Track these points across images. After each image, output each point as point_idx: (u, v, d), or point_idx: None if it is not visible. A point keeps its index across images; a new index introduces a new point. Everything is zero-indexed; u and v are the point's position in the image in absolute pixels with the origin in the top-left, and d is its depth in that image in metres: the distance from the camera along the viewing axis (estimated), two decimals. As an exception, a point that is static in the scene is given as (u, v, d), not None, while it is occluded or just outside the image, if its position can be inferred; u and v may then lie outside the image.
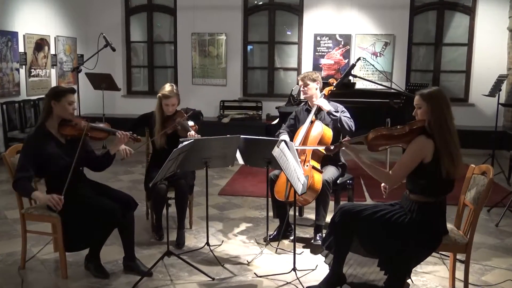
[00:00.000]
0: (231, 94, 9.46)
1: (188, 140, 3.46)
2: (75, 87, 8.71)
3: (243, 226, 4.50)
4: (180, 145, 3.32)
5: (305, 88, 4.14)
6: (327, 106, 4.04)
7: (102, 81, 8.00)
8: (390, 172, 2.90)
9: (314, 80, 4.13)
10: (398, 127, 2.90)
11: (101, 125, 3.48)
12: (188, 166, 3.70)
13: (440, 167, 2.73)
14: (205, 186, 3.88)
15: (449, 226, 3.11)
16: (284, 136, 4.16)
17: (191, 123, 4.11)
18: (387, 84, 8.37)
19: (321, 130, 3.99)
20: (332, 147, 3.14)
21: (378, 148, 2.96)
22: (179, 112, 4.19)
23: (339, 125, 3.98)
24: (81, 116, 3.52)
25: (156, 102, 4.16)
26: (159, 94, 4.10)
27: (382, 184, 3.12)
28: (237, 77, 9.54)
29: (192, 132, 3.98)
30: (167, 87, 4.11)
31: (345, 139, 3.13)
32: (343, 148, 3.08)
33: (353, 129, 4.01)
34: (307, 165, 3.85)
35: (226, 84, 9.53)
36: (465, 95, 9.13)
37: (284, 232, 4.04)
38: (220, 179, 6.33)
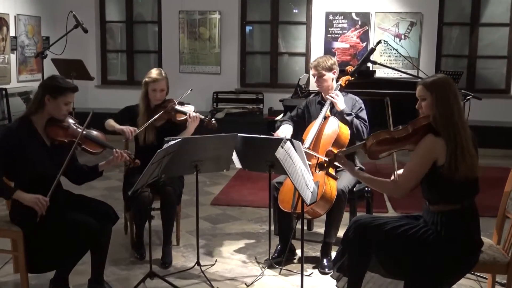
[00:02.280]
0: (227, 84, 9.47)
1: (175, 140, 3.46)
2: (38, 75, 8.74)
3: (240, 243, 4.51)
4: (165, 145, 3.33)
5: (320, 80, 4.13)
6: (341, 104, 4.03)
7: (71, 69, 8.00)
8: (397, 180, 2.90)
9: (330, 69, 4.12)
10: (400, 127, 2.91)
11: (97, 135, 3.46)
12: (174, 170, 3.70)
13: (458, 169, 2.74)
14: (195, 194, 3.88)
15: (488, 241, 3.12)
16: (287, 127, 4.17)
17: (188, 107, 4.16)
18: (413, 72, 8.38)
19: (336, 128, 3.99)
20: (324, 163, 3.11)
21: (379, 155, 2.97)
22: (168, 100, 4.22)
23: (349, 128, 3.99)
24: (74, 116, 3.53)
25: (138, 93, 4.19)
26: (145, 79, 4.17)
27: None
28: (233, 64, 9.55)
29: (193, 113, 4.03)
30: (154, 71, 4.20)
31: (341, 150, 3.14)
32: (337, 162, 3.08)
33: (365, 136, 4.00)
34: (319, 170, 3.85)
35: (220, 73, 9.53)
36: (507, 85, 9.14)
37: (287, 255, 4.01)
38: (213, 186, 6.33)
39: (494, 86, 9.20)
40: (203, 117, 4.13)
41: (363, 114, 4.09)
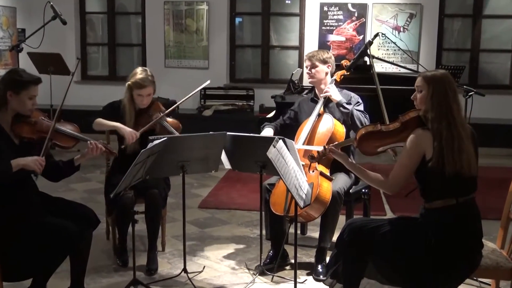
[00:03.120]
0: (215, 80, 9.43)
1: (160, 138, 3.46)
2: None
3: (230, 248, 4.51)
4: (150, 145, 3.32)
5: (313, 71, 4.16)
6: (337, 95, 4.05)
7: (49, 63, 7.96)
8: (389, 176, 2.97)
9: (324, 62, 4.15)
10: (389, 122, 2.99)
11: (69, 128, 3.44)
12: (159, 171, 3.69)
13: (445, 163, 2.80)
14: (182, 197, 3.88)
15: (491, 245, 3.14)
16: (268, 131, 4.19)
17: (170, 119, 4.12)
18: (413, 66, 8.41)
19: (331, 125, 4.01)
20: (315, 155, 3.25)
21: (373, 151, 3.07)
22: (155, 104, 4.19)
23: (349, 120, 4.00)
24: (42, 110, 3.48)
25: (121, 89, 4.15)
26: (129, 83, 4.07)
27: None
28: (222, 58, 9.54)
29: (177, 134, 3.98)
30: (139, 73, 4.08)
31: (332, 144, 3.23)
32: (329, 154, 3.19)
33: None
34: (313, 171, 3.87)
35: (208, 67, 9.52)
36: (511, 80, 9.20)
37: (279, 261, 4.02)
38: (201, 188, 6.33)
39: (498, 81, 9.26)
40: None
41: (361, 108, 4.11)
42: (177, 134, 3.99)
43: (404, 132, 2.94)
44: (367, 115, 4.07)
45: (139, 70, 4.13)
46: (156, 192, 3.98)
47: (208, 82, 4.36)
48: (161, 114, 4.08)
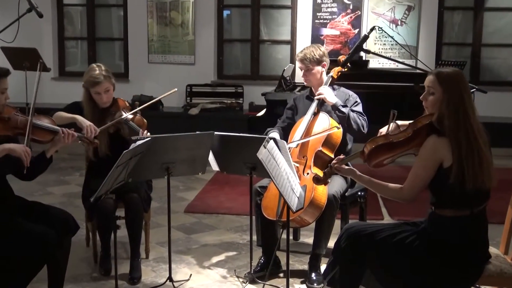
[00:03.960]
0: (202, 76, 9.45)
1: (144, 139, 3.45)
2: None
3: (218, 255, 4.51)
4: (133, 145, 3.31)
5: (307, 74, 4.15)
6: (331, 98, 4.04)
7: (24, 59, 7.91)
8: (404, 185, 2.93)
9: (319, 62, 4.13)
10: (400, 130, 2.95)
11: (46, 121, 3.42)
12: (143, 174, 3.69)
13: (466, 178, 2.76)
14: (167, 201, 3.87)
15: (494, 251, 3.15)
16: (274, 135, 4.16)
17: (136, 116, 4.08)
18: (411, 62, 8.44)
19: (327, 125, 4.01)
20: (321, 176, 3.17)
21: (382, 163, 3.01)
22: (117, 101, 4.15)
23: (345, 124, 4.00)
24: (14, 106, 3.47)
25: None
26: (84, 83, 4.06)
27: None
28: (209, 53, 9.53)
29: (144, 133, 3.94)
30: (92, 70, 4.06)
31: (336, 159, 3.15)
32: (336, 173, 3.14)
33: (365, 130, 4.03)
34: (308, 173, 3.87)
35: (194, 63, 9.51)
36: (515, 77, 9.26)
37: (271, 269, 4.02)
38: (187, 192, 6.32)
39: (501, 77, 9.30)
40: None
41: (359, 109, 4.11)
42: (141, 131, 3.96)
43: (415, 140, 2.89)
44: (365, 117, 4.07)
45: (91, 67, 4.10)
46: (136, 197, 3.97)
47: (175, 90, 4.25)
48: (124, 112, 4.05)
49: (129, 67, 9.64)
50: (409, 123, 2.94)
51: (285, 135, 4.19)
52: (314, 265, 3.97)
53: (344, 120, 4.00)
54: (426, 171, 2.85)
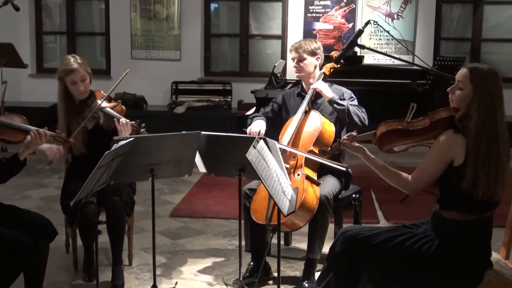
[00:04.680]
0: (188, 73, 9.44)
1: (126, 139, 3.44)
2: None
3: (206, 261, 4.50)
4: (115, 146, 3.30)
5: (300, 64, 4.16)
6: (328, 92, 4.05)
7: (0, 55, 7.89)
8: (410, 177, 2.95)
9: (313, 53, 4.15)
10: (421, 118, 2.93)
11: (17, 120, 3.40)
12: (126, 176, 3.67)
13: (478, 186, 2.75)
14: (151, 204, 3.86)
15: (495, 256, 3.16)
16: (260, 123, 4.18)
17: (111, 104, 4.07)
18: (408, 58, 8.47)
19: (319, 124, 4.02)
20: (328, 149, 3.18)
21: (393, 149, 3.01)
22: (94, 93, 4.14)
23: (347, 118, 4.00)
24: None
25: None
26: (58, 74, 4.06)
27: None
28: (196, 49, 9.53)
29: (123, 119, 3.94)
30: (67, 59, 4.08)
31: (346, 136, 3.15)
32: (344, 148, 3.13)
33: (366, 122, 4.05)
34: (298, 174, 3.87)
35: (180, 59, 9.50)
36: (516, 73, 9.32)
37: (260, 275, 4.02)
38: (173, 195, 6.31)
39: (502, 74, 9.27)
40: (132, 122, 4.00)
41: (355, 102, 4.11)
42: (122, 118, 3.96)
43: (431, 133, 2.88)
44: (364, 109, 4.09)
45: (66, 57, 4.13)
46: (117, 200, 3.96)
47: (128, 71, 4.16)
48: (100, 101, 4.03)
49: (111, 64, 9.63)
50: (428, 113, 2.92)
51: (269, 127, 4.21)
52: (308, 271, 3.97)
53: (344, 114, 4.00)
54: (436, 166, 2.85)
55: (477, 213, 2.87)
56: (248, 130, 4.17)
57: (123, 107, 4.14)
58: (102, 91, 4.18)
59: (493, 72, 2.85)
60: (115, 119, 3.94)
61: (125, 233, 4.13)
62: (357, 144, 3.10)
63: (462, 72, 2.86)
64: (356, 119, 4.00)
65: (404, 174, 3.00)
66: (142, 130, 3.98)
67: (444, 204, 2.93)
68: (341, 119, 4.06)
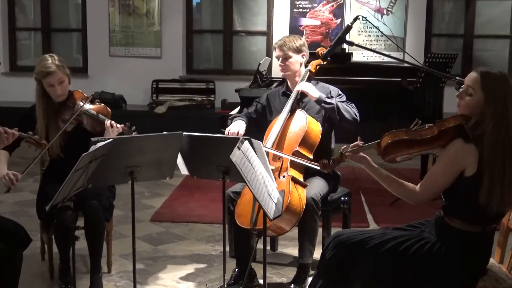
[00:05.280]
0: (169, 71, 9.43)
1: (105, 140, 3.43)
2: None
3: (188, 268, 4.50)
4: (93, 147, 3.29)
5: (285, 63, 4.17)
6: (313, 91, 4.06)
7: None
8: (417, 187, 2.92)
9: (298, 51, 4.16)
10: (426, 126, 2.87)
11: None
12: (104, 179, 3.66)
13: (493, 199, 2.74)
14: (131, 209, 3.85)
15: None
16: (239, 123, 4.20)
17: (95, 106, 4.06)
18: (398, 55, 8.51)
19: (304, 124, 4.03)
20: (330, 162, 3.08)
21: (396, 159, 2.97)
22: (74, 93, 4.13)
23: (337, 116, 4.01)
24: None
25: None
26: (35, 75, 4.03)
27: None
28: (177, 46, 9.51)
29: (109, 122, 3.94)
30: (43, 60, 4.04)
31: (352, 146, 3.04)
32: (347, 160, 3.04)
33: (358, 117, 4.06)
34: (284, 176, 3.88)
35: (160, 56, 9.48)
36: (510, 70, 9.38)
37: (245, 282, 4.02)
38: (154, 198, 6.30)
39: (489, 67, 9.38)
40: (122, 125, 3.99)
41: (343, 99, 4.11)
42: (107, 120, 3.97)
43: (439, 141, 2.83)
44: (353, 104, 4.09)
45: (43, 57, 4.09)
46: (96, 204, 3.95)
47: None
48: (83, 102, 4.03)
49: (88, 61, 9.58)
50: (436, 121, 2.87)
51: (251, 128, 4.21)
52: (300, 277, 3.97)
53: (334, 113, 4.00)
54: (445, 177, 2.82)
55: (483, 225, 2.87)
56: (226, 131, 4.17)
57: (109, 109, 4.14)
58: (80, 91, 4.17)
59: (505, 76, 2.82)
60: (104, 121, 3.96)
61: (104, 239, 4.12)
62: (360, 154, 3.02)
63: (472, 76, 2.83)
64: (347, 115, 4.01)
65: (410, 185, 2.97)
66: (134, 133, 3.98)
67: (450, 213, 2.92)
68: (332, 118, 4.06)
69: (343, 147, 3.08)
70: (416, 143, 2.88)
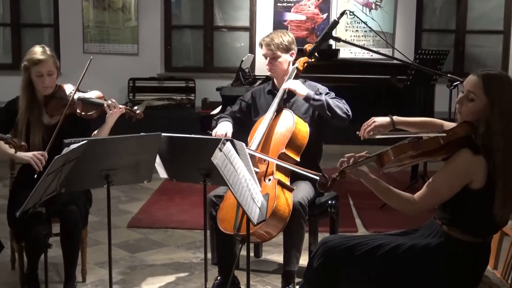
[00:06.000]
0: (147, 69, 9.40)
1: (79, 142, 3.41)
2: None
3: (168, 276, 4.50)
4: (66, 150, 3.28)
5: (273, 62, 4.16)
6: (301, 89, 4.06)
7: None
8: (416, 198, 2.89)
9: (287, 49, 4.16)
10: (430, 136, 2.82)
11: None
12: (78, 183, 3.65)
13: (506, 206, 2.75)
14: (107, 214, 3.84)
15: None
16: (226, 124, 4.20)
17: (96, 93, 4.15)
18: (387, 51, 8.55)
19: (291, 124, 4.03)
20: (328, 182, 2.91)
21: (394, 170, 2.96)
22: (62, 86, 4.18)
23: (328, 112, 4.01)
24: None
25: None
26: (24, 62, 4.06)
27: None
28: (155, 42, 9.49)
29: (109, 102, 4.04)
30: (35, 49, 4.11)
31: (344, 161, 2.91)
32: (347, 176, 2.91)
33: (350, 113, 4.07)
34: (270, 179, 3.88)
35: (137, 53, 9.46)
36: (503, 67, 9.44)
37: None
38: (131, 203, 6.29)
39: (488, 68, 9.46)
40: (123, 106, 4.09)
41: (332, 96, 4.12)
42: (106, 101, 4.05)
43: (443, 151, 2.80)
44: (344, 100, 4.10)
45: (35, 47, 4.15)
46: (75, 209, 3.94)
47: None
48: (74, 90, 4.09)
49: (60, 58, 9.52)
50: (442, 131, 2.82)
51: (235, 127, 4.23)
52: (287, 282, 3.98)
53: (324, 110, 4.00)
54: (450, 190, 2.79)
55: (485, 236, 2.88)
56: (213, 133, 4.17)
57: (103, 94, 4.23)
58: (69, 84, 4.23)
59: (507, 77, 2.80)
60: (102, 104, 4.04)
61: (80, 246, 4.11)
62: (360, 169, 2.93)
63: (472, 80, 2.79)
64: (339, 111, 4.01)
65: (407, 194, 2.93)
66: (137, 112, 4.10)
67: (451, 223, 2.90)
68: (322, 115, 4.06)
69: (340, 161, 2.95)
70: (419, 155, 2.85)
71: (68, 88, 4.18)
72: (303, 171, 3.82)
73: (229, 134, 4.11)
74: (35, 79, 4.04)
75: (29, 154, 3.77)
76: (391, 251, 2.91)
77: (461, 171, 2.76)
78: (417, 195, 2.88)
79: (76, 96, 4.08)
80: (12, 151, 3.63)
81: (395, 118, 3.24)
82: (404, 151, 2.82)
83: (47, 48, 4.13)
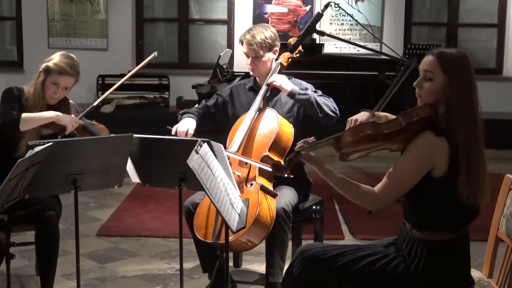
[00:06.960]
0: (117, 65, 9.38)
1: (43, 144, 3.40)
2: None
3: (140, 288, 4.49)
4: (30, 152, 3.26)
5: (256, 61, 4.16)
6: (286, 84, 4.07)
7: None
8: (376, 190, 2.90)
9: (270, 47, 4.15)
10: (388, 118, 2.89)
11: None
12: (43, 188, 3.63)
13: (471, 188, 2.76)
14: (74, 222, 3.82)
15: (476, 274, 3.23)
16: (189, 121, 4.18)
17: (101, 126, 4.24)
18: (375, 46, 8.58)
19: (275, 124, 4.02)
20: (282, 163, 3.02)
21: (352, 156, 2.96)
22: (67, 102, 4.25)
23: (317, 109, 4.02)
24: None
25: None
26: (48, 64, 4.09)
27: None
28: (126, 36, 9.48)
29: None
30: (65, 57, 4.17)
31: (301, 143, 3.01)
32: (302, 160, 2.99)
33: (337, 111, 4.09)
34: (252, 184, 3.88)
35: (107, 48, 9.44)
36: (498, 63, 9.54)
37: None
38: (100, 210, 6.27)
39: (481, 64, 9.54)
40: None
41: (319, 93, 4.14)
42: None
43: (403, 135, 2.82)
44: (331, 98, 4.12)
45: (69, 55, 4.23)
46: (54, 215, 3.96)
47: None
48: (79, 113, 4.19)
49: (23, 54, 9.51)
50: (401, 113, 2.84)
51: (207, 123, 4.25)
52: None
53: (311, 106, 4.01)
54: (412, 177, 2.80)
55: (458, 230, 2.89)
56: (174, 129, 4.14)
57: (107, 129, 4.29)
58: (74, 103, 4.35)
59: (463, 55, 2.89)
60: (98, 134, 4.12)
61: (57, 255, 4.09)
62: (314, 156, 2.97)
63: (428, 60, 2.85)
64: (326, 109, 4.02)
65: (366, 187, 2.93)
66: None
67: (419, 224, 2.92)
68: (309, 112, 4.07)
69: (298, 145, 3.02)
70: (378, 138, 2.86)
71: (73, 108, 4.25)
72: (265, 166, 3.81)
73: (191, 132, 4.08)
74: (48, 85, 4.08)
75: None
76: (373, 263, 2.91)
77: (424, 154, 2.78)
78: (378, 187, 2.88)
79: (81, 122, 4.17)
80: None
81: (376, 113, 3.25)
82: (362, 130, 2.85)
83: (76, 63, 4.21)
